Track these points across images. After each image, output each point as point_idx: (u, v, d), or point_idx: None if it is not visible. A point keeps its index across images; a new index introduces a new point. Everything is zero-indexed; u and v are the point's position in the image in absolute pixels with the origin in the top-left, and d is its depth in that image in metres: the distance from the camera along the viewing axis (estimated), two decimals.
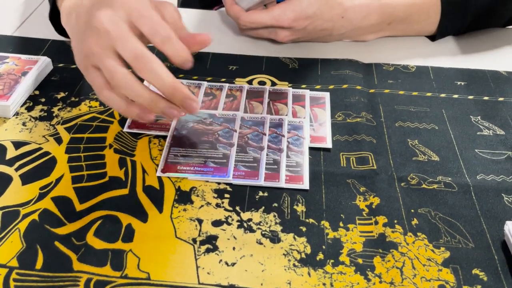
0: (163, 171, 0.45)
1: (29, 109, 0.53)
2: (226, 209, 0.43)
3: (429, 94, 0.56)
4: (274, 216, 0.42)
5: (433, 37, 0.64)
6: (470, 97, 0.56)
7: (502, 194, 0.44)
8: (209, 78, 0.58)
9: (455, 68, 0.60)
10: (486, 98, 0.56)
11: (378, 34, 0.62)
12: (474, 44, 0.64)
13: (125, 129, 0.50)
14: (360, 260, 0.39)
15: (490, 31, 0.66)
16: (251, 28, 0.59)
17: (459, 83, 0.58)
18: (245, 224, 0.41)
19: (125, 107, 0.41)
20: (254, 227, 0.41)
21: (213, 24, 0.68)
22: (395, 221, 0.42)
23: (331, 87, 0.57)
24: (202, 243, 0.40)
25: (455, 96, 0.56)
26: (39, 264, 0.38)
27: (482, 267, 0.39)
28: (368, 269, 0.38)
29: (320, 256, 0.39)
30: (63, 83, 0.56)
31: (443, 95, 0.56)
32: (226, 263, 0.38)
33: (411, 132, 0.51)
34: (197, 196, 0.44)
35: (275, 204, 0.43)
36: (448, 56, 0.62)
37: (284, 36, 0.58)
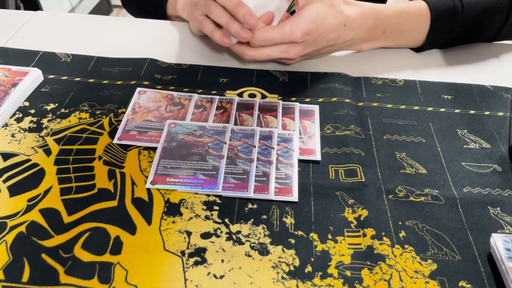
0: (152, 183, 0.46)
1: (18, 120, 0.52)
2: (215, 221, 0.43)
3: (416, 107, 0.57)
4: (263, 228, 0.42)
5: (419, 49, 0.66)
6: (457, 110, 0.57)
7: (488, 207, 0.45)
8: (199, 91, 0.58)
9: (442, 82, 0.61)
10: (472, 111, 0.57)
11: (373, 43, 0.64)
12: (461, 58, 0.65)
13: (115, 141, 0.50)
14: (348, 273, 0.39)
15: (476, 46, 0.67)
16: (262, 46, 0.57)
17: (445, 97, 0.59)
18: (234, 237, 0.42)
19: (212, 29, 0.58)
20: (243, 239, 0.41)
21: (205, 36, 0.68)
22: (383, 233, 0.42)
23: (321, 100, 0.57)
24: (191, 255, 0.40)
25: (442, 109, 0.57)
26: (25, 277, 0.37)
27: (469, 279, 0.39)
28: (356, 282, 0.38)
29: (309, 268, 0.39)
30: (53, 95, 0.56)
31: (430, 108, 0.57)
32: (215, 276, 0.38)
33: (399, 145, 0.52)
34: (186, 208, 0.44)
35: (264, 216, 0.43)
36: (435, 70, 0.63)
37: (297, 53, 0.57)
